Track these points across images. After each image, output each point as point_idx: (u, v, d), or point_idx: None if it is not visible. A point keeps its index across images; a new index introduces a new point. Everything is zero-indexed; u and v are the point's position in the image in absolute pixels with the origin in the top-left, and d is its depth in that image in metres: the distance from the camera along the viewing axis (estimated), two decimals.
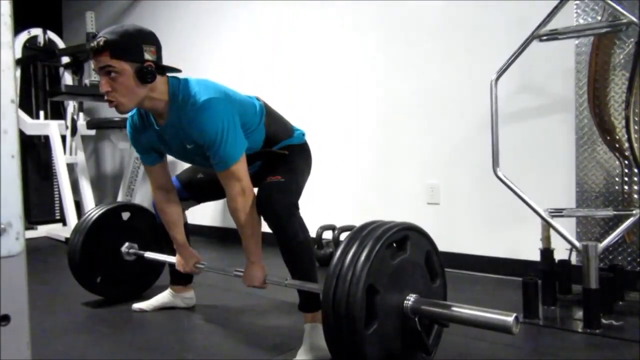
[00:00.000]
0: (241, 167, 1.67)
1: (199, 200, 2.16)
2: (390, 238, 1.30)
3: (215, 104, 1.63)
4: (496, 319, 1.22)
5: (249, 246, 1.77)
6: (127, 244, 2.36)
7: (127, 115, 1.84)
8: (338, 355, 1.28)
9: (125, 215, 2.44)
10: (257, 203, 1.72)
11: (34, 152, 4.58)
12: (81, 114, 4.53)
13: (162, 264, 2.44)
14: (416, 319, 1.32)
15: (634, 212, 2.03)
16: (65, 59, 4.48)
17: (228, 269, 1.95)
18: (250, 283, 1.81)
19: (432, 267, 1.47)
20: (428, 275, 1.45)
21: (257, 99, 1.92)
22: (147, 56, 1.61)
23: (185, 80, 1.71)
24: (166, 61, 1.70)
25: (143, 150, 1.89)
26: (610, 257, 2.30)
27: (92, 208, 2.57)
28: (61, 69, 4.69)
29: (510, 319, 1.19)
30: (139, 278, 2.46)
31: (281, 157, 1.88)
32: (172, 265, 2.15)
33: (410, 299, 1.32)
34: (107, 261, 2.34)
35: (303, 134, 2.01)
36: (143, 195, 4.51)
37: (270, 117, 1.89)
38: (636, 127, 2.15)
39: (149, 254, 2.30)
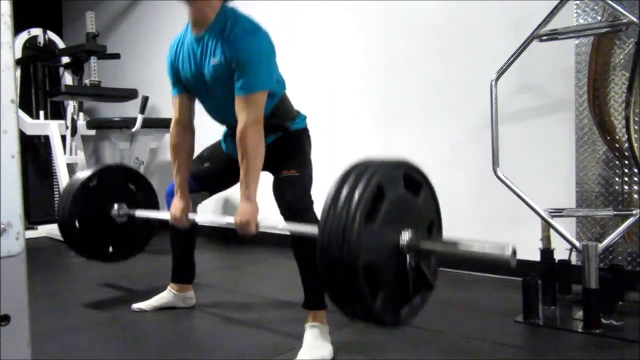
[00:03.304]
0: (262, 98, 1.72)
1: (210, 191, 2.16)
2: (386, 173, 1.27)
3: (264, 35, 1.73)
4: (493, 252, 1.18)
5: (248, 178, 1.72)
6: (116, 205, 2.28)
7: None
8: (335, 293, 1.24)
9: (112, 177, 2.38)
10: (275, 196, 1.78)
11: (34, 152, 4.58)
12: (81, 114, 4.53)
13: (154, 224, 2.40)
14: (408, 257, 1.27)
15: (634, 212, 2.03)
16: (65, 59, 4.48)
17: (220, 219, 1.89)
18: (242, 217, 1.71)
19: (428, 207, 1.43)
20: (423, 215, 1.40)
21: None
22: None
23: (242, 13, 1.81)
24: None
25: (173, 74, 1.94)
26: (610, 257, 2.30)
27: (76, 174, 2.47)
28: (61, 69, 4.69)
29: (507, 250, 1.14)
30: (132, 239, 2.40)
31: (291, 143, 1.91)
32: (174, 263, 2.15)
33: (406, 235, 1.27)
34: (99, 225, 2.28)
35: (305, 119, 2.04)
36: None
37: (285, 98, 1.94)
38: (636, 127, 2.15)
39: (140, 212, 2.25)
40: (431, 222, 1.43)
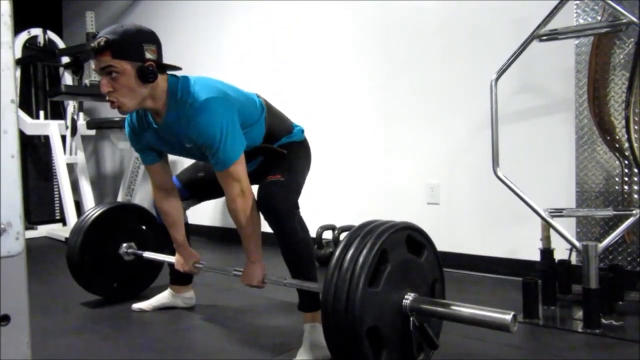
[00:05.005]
0: (240, 168, 1.66)
1: (199, 199, 2.16)
2: (390, 237, 1.30)
3: (214, 104, 1.61)
4: (494, 317, 1.23)
5: (249, 246, 1.77)
6: (125, 244, 2.36)
7: (126, 115, 1.83)
8: (338, 355, 1.28)
9: (124, 215, 2.44)
10: (257, 202, 1.71)
11: (34, 152, 4.58)
12: (81, 114, 4.53)
13: (160, 263, 2.44)
14: (412, 318, 1.32)
15: (634, 212, 2.03)
16: (65, 59, 4.48)
17: (227, 269, 1.95)
18: (249, 282, 1.80)
19: (431, 267, 1.47)
20: (427, 275, 1.45)
21: (257, 96, 1.92)
22: (148, 55, 1.60)
23: (185, 78, 1.70)
24: (166, 61, 1.70)
25: (142, 149, 1.88)
26: (610, 257, 2.30)
27: (90, 208, 2.57)
28: (61, 69, 4.69)
29: (508, 317, 1.20)
30: (138, 278, 2.46)
31: (281, 155, 1.87)
32: (171, 265, 2.15)
33: (409, 297, 1.32)
34: (106, 261, 2.34)
35: (302, 131, 2.00)
36: (143, 195, 4.51)
37: (270, 114, 1.88)
38: (636, 127, 2.15)
39: (148, 254, 2.30)
40: (434, 281, 1.48)
